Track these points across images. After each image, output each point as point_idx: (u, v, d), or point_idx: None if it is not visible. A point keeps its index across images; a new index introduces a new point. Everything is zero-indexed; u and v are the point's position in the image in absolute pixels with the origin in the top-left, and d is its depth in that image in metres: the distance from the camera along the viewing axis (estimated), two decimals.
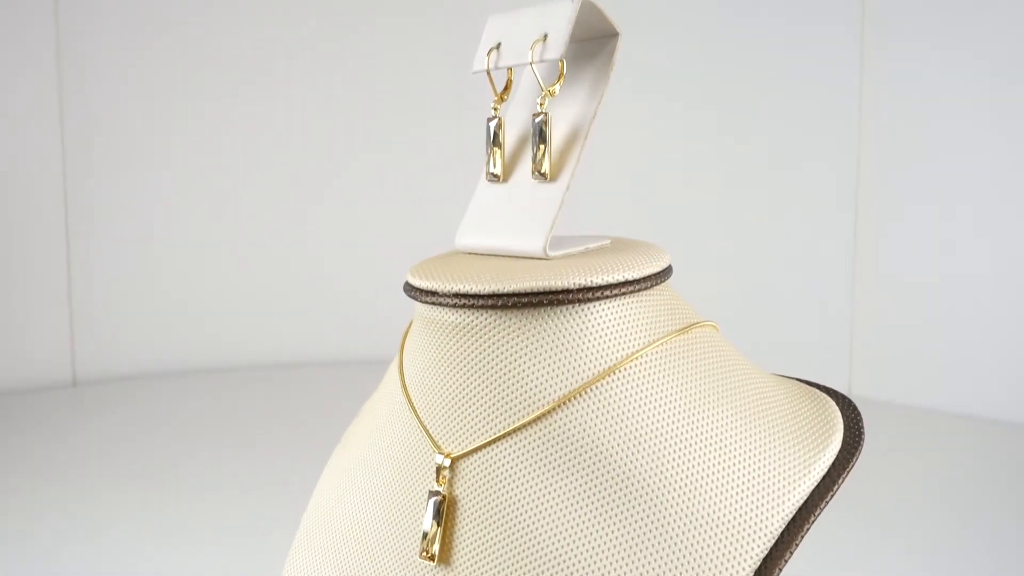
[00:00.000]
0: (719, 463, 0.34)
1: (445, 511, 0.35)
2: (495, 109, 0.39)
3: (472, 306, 0.35)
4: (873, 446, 1.01)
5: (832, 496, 0.34)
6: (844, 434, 0.37)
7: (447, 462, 0.35)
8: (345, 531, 0.38)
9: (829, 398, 0.39)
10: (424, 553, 0.35)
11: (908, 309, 1.16)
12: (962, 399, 1.12)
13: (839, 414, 0.38)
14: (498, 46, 0.38)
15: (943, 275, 1.13)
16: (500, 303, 0.34)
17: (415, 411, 0.37)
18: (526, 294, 0.34)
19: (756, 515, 0.33)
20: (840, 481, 0.35)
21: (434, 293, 0.35)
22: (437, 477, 0.35)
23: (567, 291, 0.34)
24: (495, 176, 0.39)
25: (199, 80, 1.31)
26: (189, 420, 1.11)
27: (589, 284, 0.34)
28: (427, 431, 0.36)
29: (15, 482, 0.91)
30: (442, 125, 1.33)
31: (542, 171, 0.38)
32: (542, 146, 0.37)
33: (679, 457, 0.34)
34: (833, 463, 0.35)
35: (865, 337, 1.20)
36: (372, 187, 1.36)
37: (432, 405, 0.36)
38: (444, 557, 0.35)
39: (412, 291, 0.37)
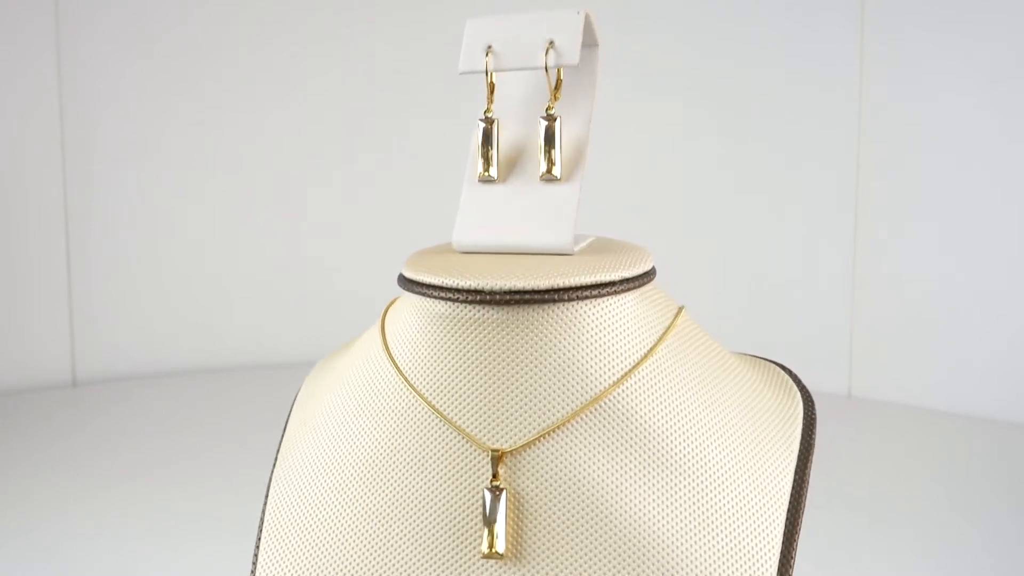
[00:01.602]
0: (733, 432, 0.37)
1: (507, 507, 0.35)
2: (488, 111, 0.40)
3: (520, 302, 0.35)
4: (873, 446, 1.01)
5: (813, 448, 0.39)
6: (801, 395, 0.41)
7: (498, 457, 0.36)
8: (352, 538, 0.38)
9: (774, 366, 0.43)
10: (490, 550, 0.35)
11: (908, 309, 1.16)
12: (962, 399, 1.12)
13: (791, 379, 0.42)
14: (489, 49, 0.39)
15: (943, 275, 1.13)
16: (556, 298, 0.35)
17: (436, 410, 0.37)
18: (579, 288, 0.35)
19: (774, 473, 0.37)
20: (814, 435, 0.39)
21: (479, 291, 0.35)
22: (493, 474, 0.35)
23: (611, 283, 0.36)
24: (490, 177, 0.39)
25: (199, 80, 1.31)
26: (189, 420, 1.11)
27: (627, 276, 0.37)
28: (460, 429, 0.36)
29: (15, 482, 0.91)
30: (441, 125, 1.33)
31: (554, 172, 0.39)
32: (553, 148, 0.39)
33: (707, 433, 0.36)
34: (804, 421, 0.40)
35: (865, 337, 1.20)
36: (371, 187, 1.36)
37: (463, 403, 0.36)
38: (514, 553, 0.35)
39: (439, 290, 0.36)
